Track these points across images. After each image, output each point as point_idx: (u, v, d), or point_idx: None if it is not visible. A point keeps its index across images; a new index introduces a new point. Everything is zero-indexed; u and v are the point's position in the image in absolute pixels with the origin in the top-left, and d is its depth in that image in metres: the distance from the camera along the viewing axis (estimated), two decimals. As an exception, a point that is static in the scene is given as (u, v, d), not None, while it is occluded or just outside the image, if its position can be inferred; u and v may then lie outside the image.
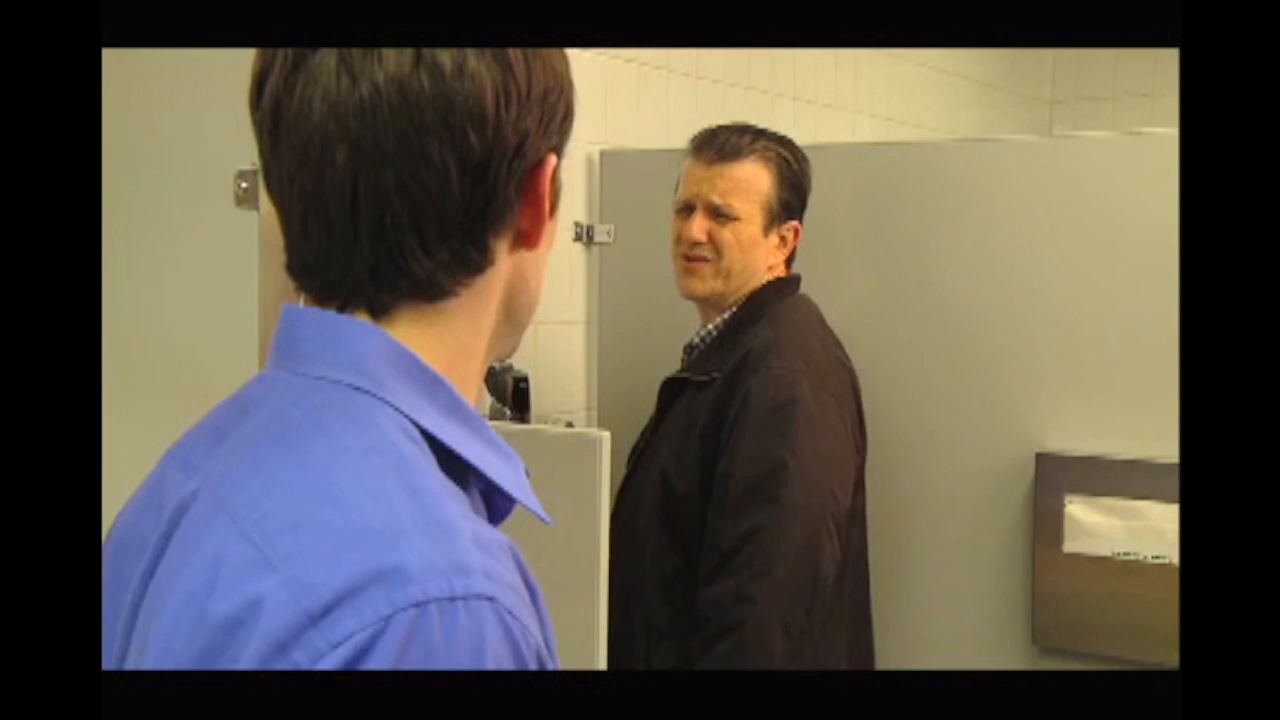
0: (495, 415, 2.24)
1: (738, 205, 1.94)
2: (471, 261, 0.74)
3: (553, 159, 0.77)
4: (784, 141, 2.01)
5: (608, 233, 2.49)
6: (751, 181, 1.94)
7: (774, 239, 1.98)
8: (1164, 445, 1.94)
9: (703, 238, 1.94)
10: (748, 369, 1.86)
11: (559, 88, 0.76)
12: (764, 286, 1.98)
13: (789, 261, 2.04)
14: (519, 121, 0.73)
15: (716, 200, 1.94)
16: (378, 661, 0.60)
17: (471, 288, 0.75)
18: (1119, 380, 2.03)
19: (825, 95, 3.28)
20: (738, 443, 1.82)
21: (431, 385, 0.74)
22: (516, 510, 0.82)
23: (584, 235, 2.50)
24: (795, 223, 2.00)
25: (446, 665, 0.61)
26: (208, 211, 1.65)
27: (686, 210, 1.99)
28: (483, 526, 0.68)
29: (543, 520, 0.79)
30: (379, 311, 0.74)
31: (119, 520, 0.78)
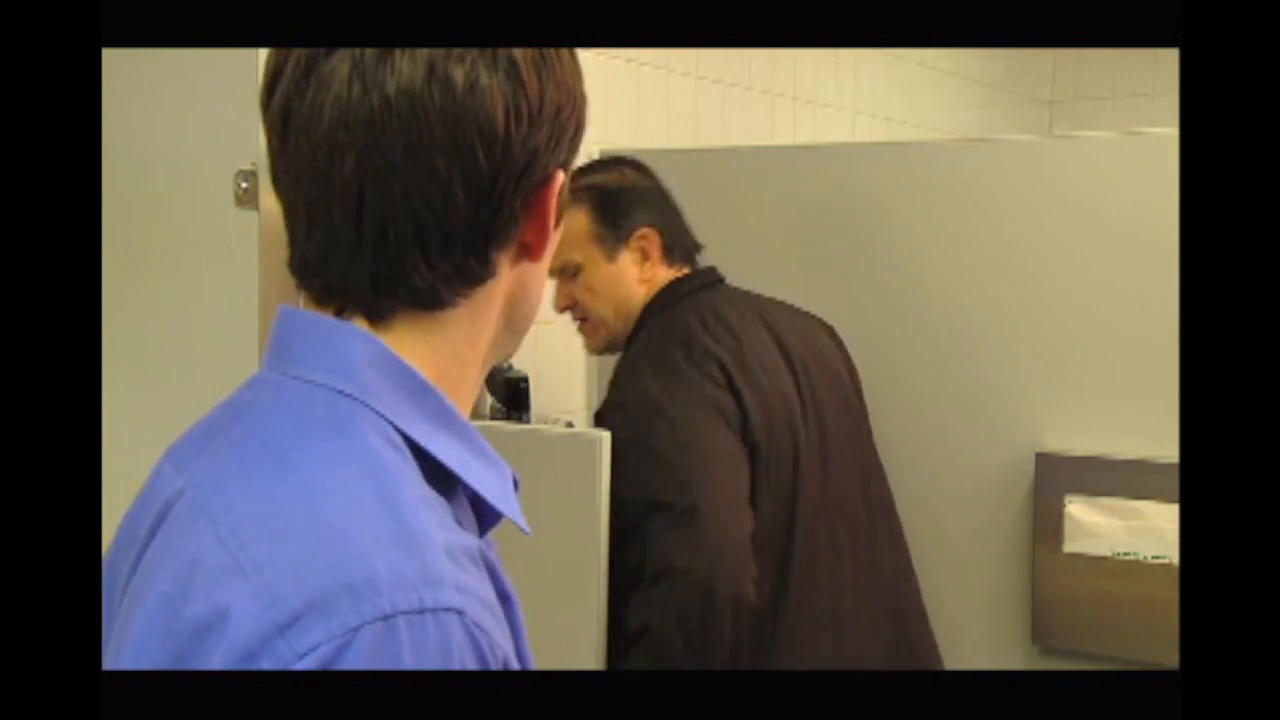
0: (495, 415, 2.24)
1: (573, 257, 1.93)
2: (473, 274, 0.74)
3: (560, 175, 0.76)
4: (600, 166, 1.99)
5: (608, 233, 2.49)
6: (570, 232, 1.92)
7: (625, 258, 1.94)
8: (1164, 445, 1.94)
9: (568, 303, 1.97)
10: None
11: (571, 104, 0.76)
12: (644, 311, 1.95)
13: (672, 261, 1.97)
14: (528, 140, 0.72)
15: (555, 265, 1.93)
16: None
17: (471, 298, 0.75)
18: (1119, 380, 2.03)
19: (825, 95, 3.28)
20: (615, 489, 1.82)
21: (419, 391, 0.73)
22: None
23: (584, 235, 2.50)
24: (640, 230, 1.94)
25: None
26: (208, 211, 1.65)
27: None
28: (457, 535, 0.68)
29: (523, 530, 0.79)
30: (376, 318, 0.74)
31: (124, 517, 0.78)
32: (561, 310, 1.99)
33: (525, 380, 2.21)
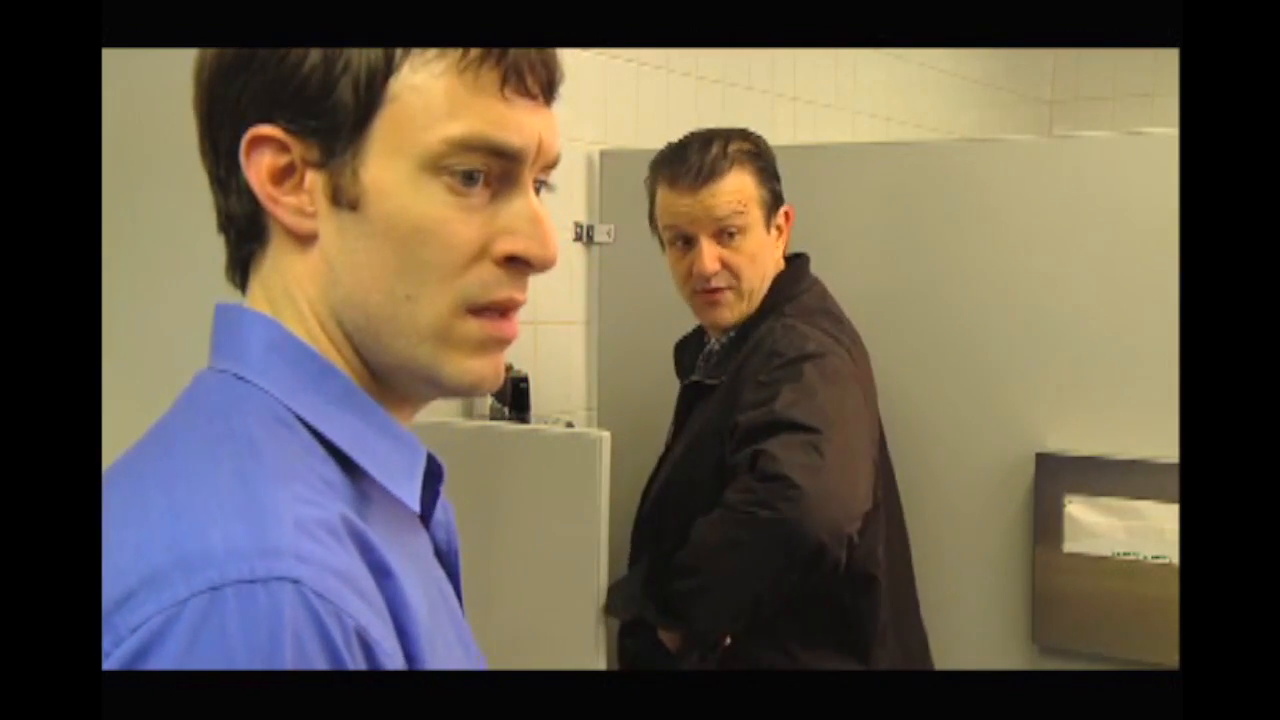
0: (495, 415, 2.24)
1: (740, 218, 1.87)
2: (235, 216, 0.82)
3: (254, 130, 0.76)
4: (745, 135, 1.95)
5: (608, 233, 2.49)
6: (741, 190, 1.88)
7: (773, 233, 1.94)
8: (1164, 445, 1.94)
9: (718, 267, 1.87)
10: (757, 353, 1.84)
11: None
12: (775, 284, 1.94)
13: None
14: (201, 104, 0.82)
15: (720, 216, 1.87)
16: (172, 645, 0.61)
17: (272, 238, 0.79)
18: (1119, 380, 2.03)
19: (825, 95, 3.28)
20: (744, 393, 1.79)
21: (320, 373, 0.76)
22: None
23: (584, 235, 2.50)
24: (786, 207, 1.96)
25: (242, 648, 0.61)
26: (208, 211, 1.65)
27: (683, 242, 1.91)
28: (315, 509, 0.68)
29: (412, 510, 0.79)
30: (242, 287, 0.81)
31: None
32: (712, 273, 1.87)
33: (525, 380, 2.21)
